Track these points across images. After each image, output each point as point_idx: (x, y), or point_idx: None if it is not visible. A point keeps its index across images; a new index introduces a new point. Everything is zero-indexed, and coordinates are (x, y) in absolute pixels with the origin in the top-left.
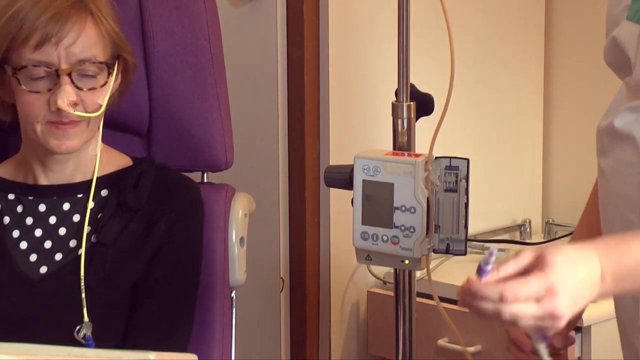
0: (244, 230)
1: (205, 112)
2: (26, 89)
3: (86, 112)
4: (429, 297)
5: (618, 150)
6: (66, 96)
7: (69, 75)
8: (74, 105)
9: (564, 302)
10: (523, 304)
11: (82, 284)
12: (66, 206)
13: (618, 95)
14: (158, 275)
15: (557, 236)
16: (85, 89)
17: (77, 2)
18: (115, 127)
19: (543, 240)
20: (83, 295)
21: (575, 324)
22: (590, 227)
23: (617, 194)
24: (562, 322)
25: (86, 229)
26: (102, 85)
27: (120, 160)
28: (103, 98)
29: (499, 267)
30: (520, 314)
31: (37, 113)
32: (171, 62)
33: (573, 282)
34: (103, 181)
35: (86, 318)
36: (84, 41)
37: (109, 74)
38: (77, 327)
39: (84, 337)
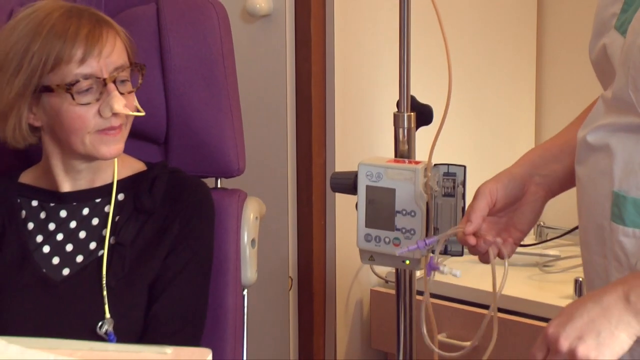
0: (255, 232)
1: (219, 122)
2: (78, 103)
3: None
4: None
5: (592, 160)
6: (120, 101)
7: (114, 82)
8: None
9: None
10: None
11: (104, 282)
12: (85, 211)
13: (595, 109)
14: (172, 272)
15: (548, 238)
16: (125, 93)
17: (98, 16)
18: (135, 135)
19: (535, 242)
20: (105, 293)
21: (528, 231)
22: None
23: (590, 200)
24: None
25: (109, 231)
26: (132, 89)
27: (134, 165)
28: (135, 100)
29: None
30: None
31: (87, 124)
32: (187, 75)
33: (580, 319)
34: (119, 185)
35: (108, 314)
36: (116, 51)
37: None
38: (100, 323)
39: (106, 333)
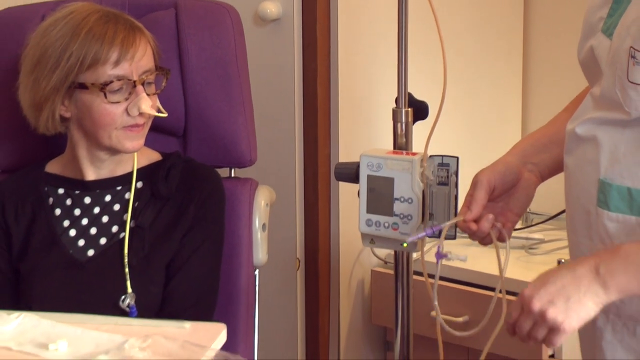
0: (266, 217)
1: (233, 117)
2: (109, 101)
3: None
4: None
5: (580, 150)
6: (148, 102)
7: (142, 84)
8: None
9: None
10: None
11: (126, 260)
12: (108, 198)
13: (584, 104)
14: (187, 252)
15: (533, 223)
16: (150, 94)
17: (132, 23)
18: (157, 129)
19: (521, 226)
20: (127, 270)
21: (523, 213)
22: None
23: (578, 187)
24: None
25: (130, 215)
26: (156, 91)
27: (151, 155)
28: (158, 101)
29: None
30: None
31: (115, 120)
32: (204, 74)
33: (553, 285)
34: (138, 174)
35: (130, 289)
36: (146, 56)
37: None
38: (122, 297)
39: (128, 306)
